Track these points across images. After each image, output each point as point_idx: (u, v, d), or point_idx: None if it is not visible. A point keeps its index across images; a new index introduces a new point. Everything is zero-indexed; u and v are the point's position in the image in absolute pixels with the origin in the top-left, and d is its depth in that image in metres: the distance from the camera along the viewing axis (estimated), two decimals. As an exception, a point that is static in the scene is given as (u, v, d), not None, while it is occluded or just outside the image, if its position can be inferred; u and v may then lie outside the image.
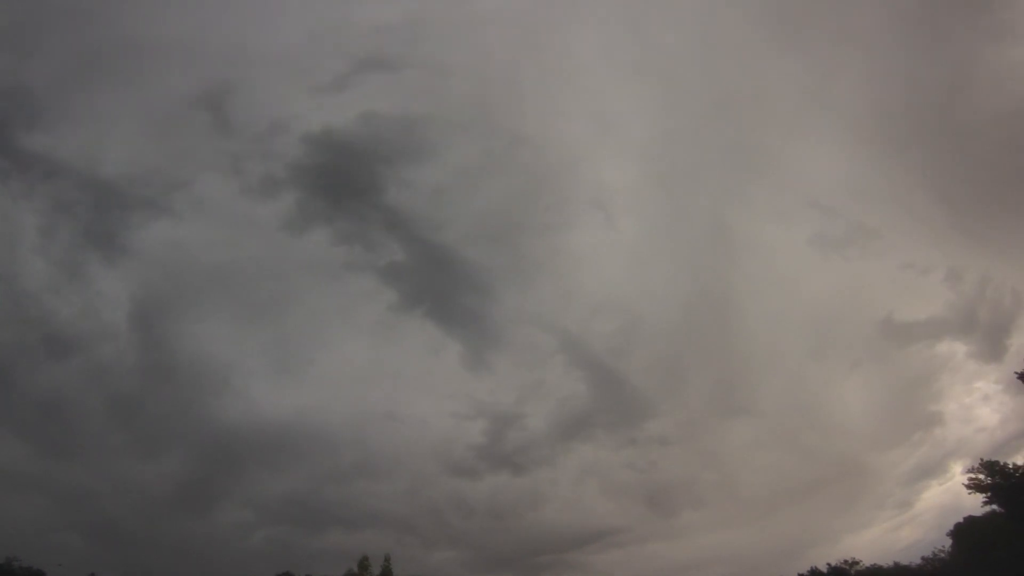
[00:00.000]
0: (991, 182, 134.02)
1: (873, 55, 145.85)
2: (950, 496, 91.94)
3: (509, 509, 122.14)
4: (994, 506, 66.85)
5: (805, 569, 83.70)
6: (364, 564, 75.40)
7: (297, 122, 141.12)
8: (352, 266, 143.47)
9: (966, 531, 68.98)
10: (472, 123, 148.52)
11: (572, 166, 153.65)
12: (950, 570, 70.45)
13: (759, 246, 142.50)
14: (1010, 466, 66.36)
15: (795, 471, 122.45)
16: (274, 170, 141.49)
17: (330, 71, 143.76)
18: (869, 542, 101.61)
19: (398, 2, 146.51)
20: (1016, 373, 69.21)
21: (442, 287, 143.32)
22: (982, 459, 68.99)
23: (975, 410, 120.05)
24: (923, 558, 76.27)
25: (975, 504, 68.91)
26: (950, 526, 72.32)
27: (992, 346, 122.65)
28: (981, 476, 67.29)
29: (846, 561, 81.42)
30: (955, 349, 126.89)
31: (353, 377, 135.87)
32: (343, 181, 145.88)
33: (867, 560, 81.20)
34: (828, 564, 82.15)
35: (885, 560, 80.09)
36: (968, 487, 68.74)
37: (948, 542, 72.70)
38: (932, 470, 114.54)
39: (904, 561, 77.89)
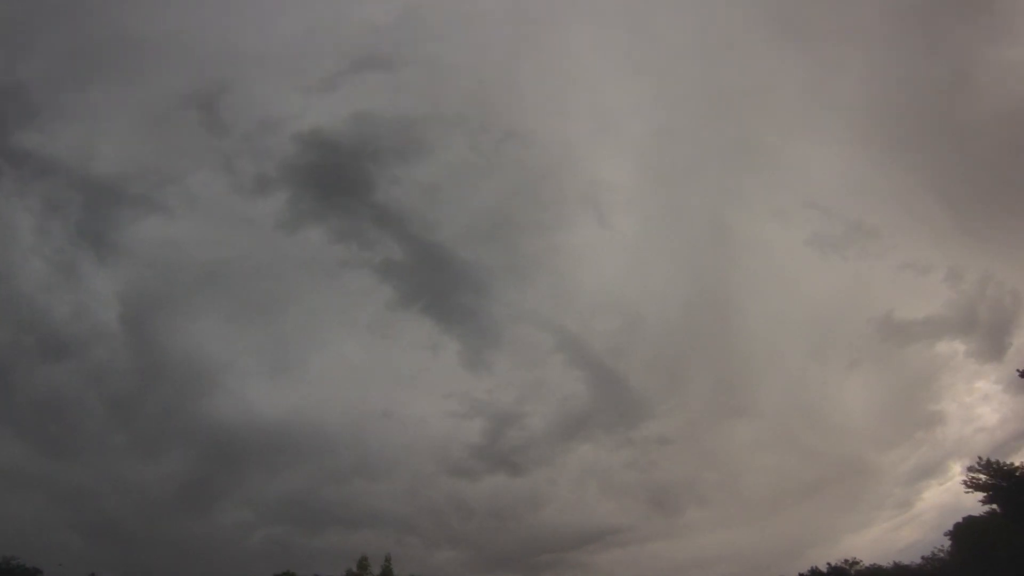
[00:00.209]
0: (991, 182, 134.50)
1: (873, 54, 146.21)
2: (950, 496, 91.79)
3: (509, 509, 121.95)
4: (993, 506, 66.93)
5: (805, 569, 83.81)
6: (364, 564, 75.01)
7: (291, 120, 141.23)
8: (348, 264, 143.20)
9: (965, 531, 68.81)
10: (468, 121, 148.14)
11: (570, 164, 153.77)
12: (950, 570, 70.31)
13: (758, 245, 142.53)
14: (1010, 466, 66.57)
15: (795, 471, 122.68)
16: (268, 168, 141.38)
17: (325, 69, 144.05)
18: (869, 542, 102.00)
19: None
20: (1018, 371, 69.59)
21: (440, 285, 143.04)
22: (980, 458, 69.30)
23: (975, 410, 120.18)
24: (923, 558, 76.14)
25: (975, 504, 69.29)
26: (950, 526, 72.24)
27: (992, 346, 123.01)
28: (980, 476, 67.43)
29: (846, 561, 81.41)
30: (955, 349, 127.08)
31: (350, 376, 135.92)
32: (338, 179, 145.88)
33: (867, 560, 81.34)
34: (828, 564, 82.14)
35: (885, 560, 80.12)
36: (966, 486, 68.97)
37: (948, 542, 72.65)
38: (932, 470, 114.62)
39: (904, 561, 77.83)
